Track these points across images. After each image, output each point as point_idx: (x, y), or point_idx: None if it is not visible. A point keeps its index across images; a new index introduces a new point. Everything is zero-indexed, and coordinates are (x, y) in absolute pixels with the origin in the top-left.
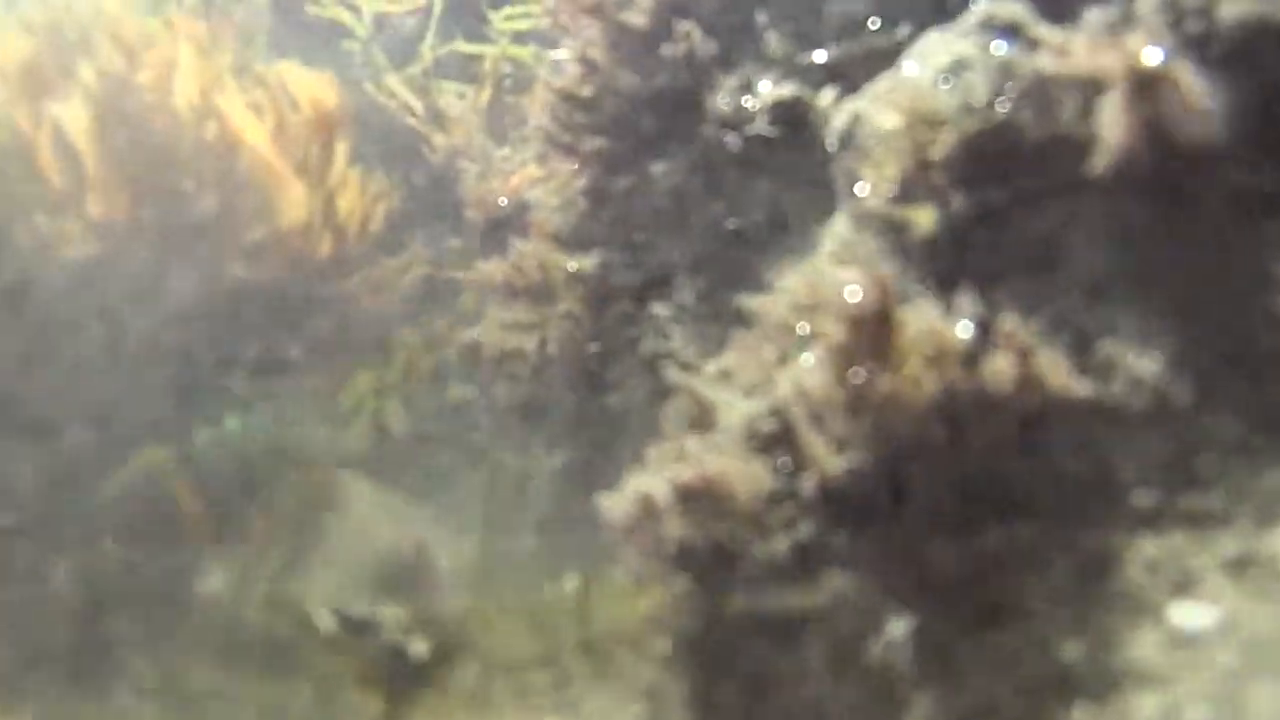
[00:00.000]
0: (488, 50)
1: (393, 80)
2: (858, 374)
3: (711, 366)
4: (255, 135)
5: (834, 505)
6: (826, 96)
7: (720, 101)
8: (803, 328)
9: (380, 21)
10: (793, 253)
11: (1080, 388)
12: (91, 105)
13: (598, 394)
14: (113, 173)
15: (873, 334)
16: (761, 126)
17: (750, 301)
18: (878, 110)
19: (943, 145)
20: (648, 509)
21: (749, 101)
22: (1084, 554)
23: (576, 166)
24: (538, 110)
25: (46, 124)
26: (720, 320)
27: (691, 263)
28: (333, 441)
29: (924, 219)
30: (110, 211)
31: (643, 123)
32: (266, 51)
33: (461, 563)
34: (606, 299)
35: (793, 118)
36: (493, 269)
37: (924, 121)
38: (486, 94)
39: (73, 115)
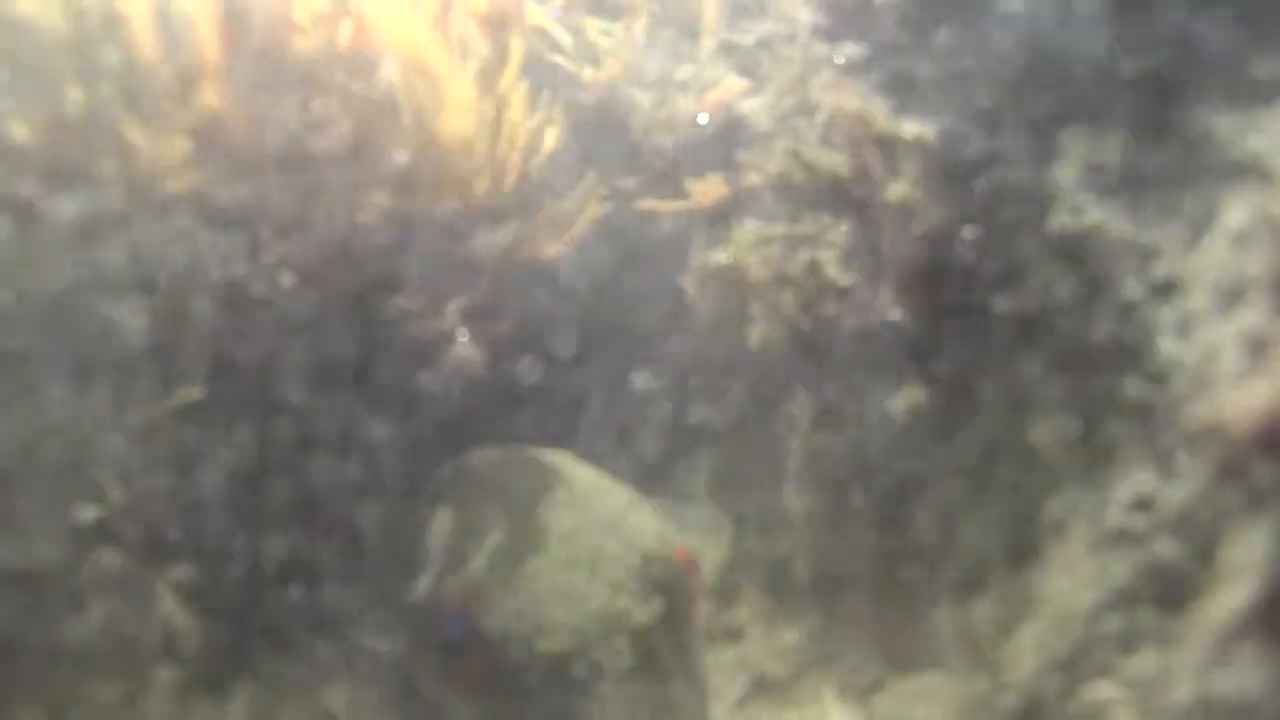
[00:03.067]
0: None
1: (534, 9)
2: None
3: None
4: (409, 26)
5: None
6: None
7: None
8: None
9: None
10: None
11: None
12: None
13: (976, 302)
14: (235, 86)
15: None
16: None
17: None
18: None
19: None
20: None
21: None
22: None
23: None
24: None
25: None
26: (1151, 184)
27: (1090, 117)
28: None
29: None
30: (226, 131)
31: None
32: None
33: None
34: (967, 172)
35: None
36: (760, 165)
37: None
38: (640, 23)
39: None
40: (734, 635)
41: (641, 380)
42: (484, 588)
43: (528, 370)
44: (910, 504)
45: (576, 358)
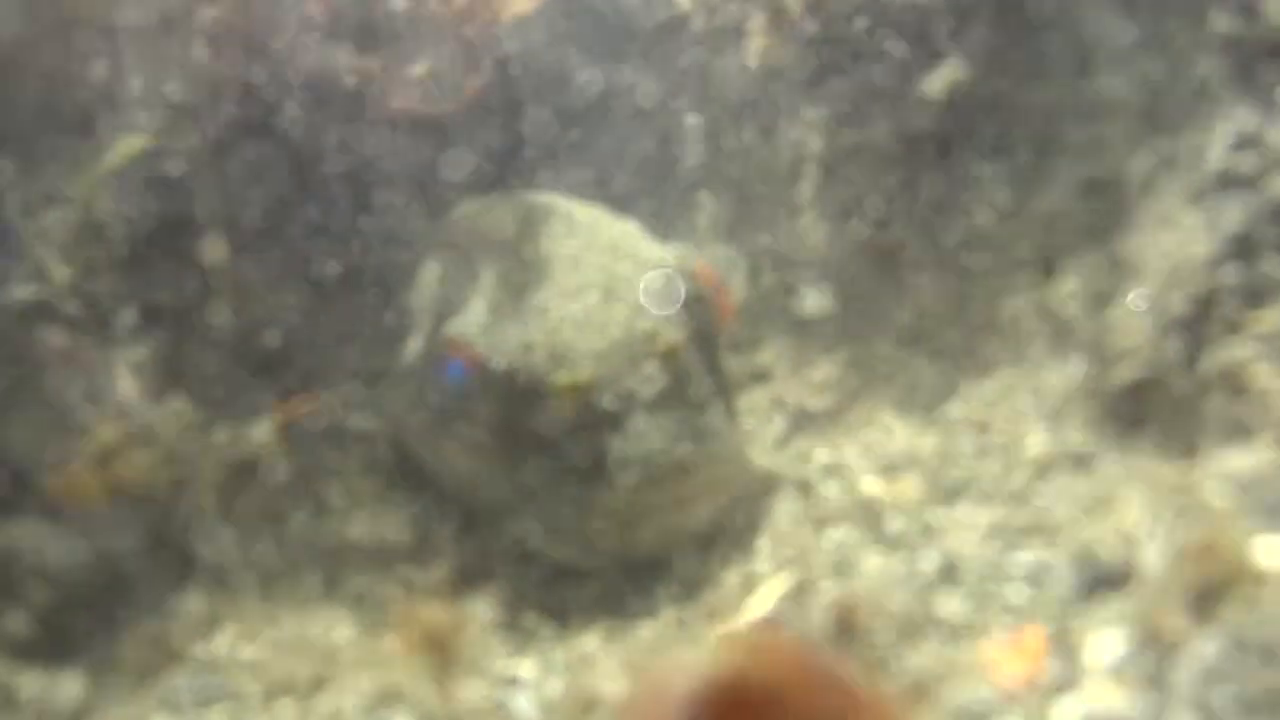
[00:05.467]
0: None
1: None
2: None
3: None
4: None
5: None
6: None
7: None
8: None
9: None
10: None
11: None
12: None
13: None
14: None
15: None
16: None
17: None
18: None
19: None
20: None
21: None
22: None
23: None
24: None
25: None
26: None
27: None
28: None
29: None
30: None
31: None
32: None
33: None
34: None
35: None
36: None
37: None
38: None
39: None
40: (761, 377)
41: (632, 121)
42: (486, 327)
43: (503, 124)
44: (958, 192)
45: (558, 107)
